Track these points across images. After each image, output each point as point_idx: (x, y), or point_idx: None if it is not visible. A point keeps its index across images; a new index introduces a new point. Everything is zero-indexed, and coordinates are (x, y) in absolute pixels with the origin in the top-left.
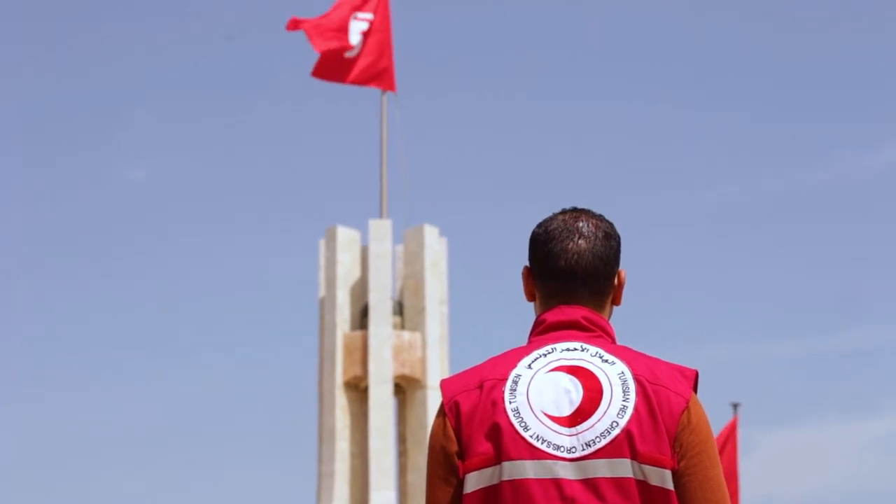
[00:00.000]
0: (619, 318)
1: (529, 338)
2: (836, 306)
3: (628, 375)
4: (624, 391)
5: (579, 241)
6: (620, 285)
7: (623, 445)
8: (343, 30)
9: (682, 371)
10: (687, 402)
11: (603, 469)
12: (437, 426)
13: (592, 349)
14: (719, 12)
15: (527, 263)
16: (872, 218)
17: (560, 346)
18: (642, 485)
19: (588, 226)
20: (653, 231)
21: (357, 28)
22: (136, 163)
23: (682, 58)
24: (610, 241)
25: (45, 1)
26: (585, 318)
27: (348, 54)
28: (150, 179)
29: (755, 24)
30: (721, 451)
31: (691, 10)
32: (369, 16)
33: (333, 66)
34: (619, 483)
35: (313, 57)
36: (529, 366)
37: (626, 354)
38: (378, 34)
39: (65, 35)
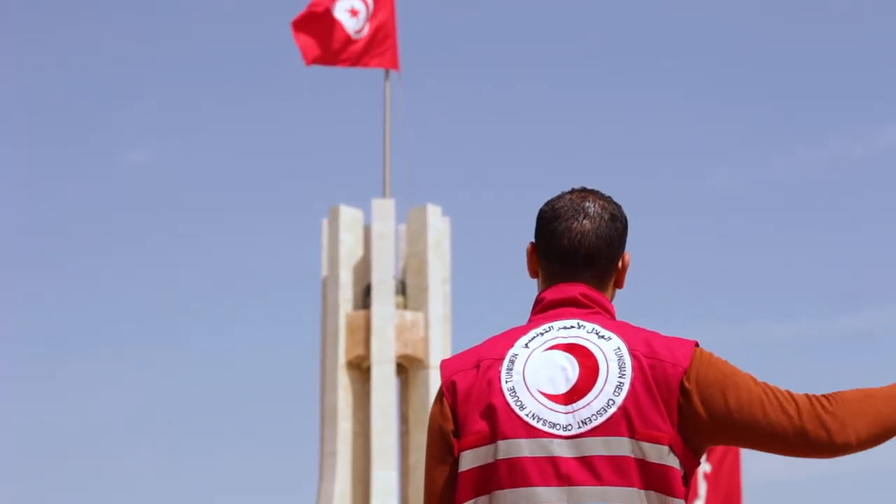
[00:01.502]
0: (622, 301)
1: (530, 316)
2: (836, 290)
3: (624, 351)
4: (620, 367)
5: (584, 221)
6: (624, 268)
7: (620, 423)
8: (329, 18)
9: (679, 342)
10: (685, 370)
11: (599, 447)
12: (435, 406)
13: (589, 325)
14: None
15: (533, 240)
16: (872, 202)
17: (557, 324)
18: (641, 462)
19: (594, 206)
20: (653, 215)
21: (343, 6)
22: (138, 146)
23: (681, 45)
24: (615, 222)
25: None
26: (583, 295)
27: (354, 35)
28: (152, 162)
29: (752, 11)
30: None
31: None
32: None
33: (328, 49)
34: (614, 461)
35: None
36: (526, 345)
37: (623, 329)
38: (380, 13)
39: (67, 18)
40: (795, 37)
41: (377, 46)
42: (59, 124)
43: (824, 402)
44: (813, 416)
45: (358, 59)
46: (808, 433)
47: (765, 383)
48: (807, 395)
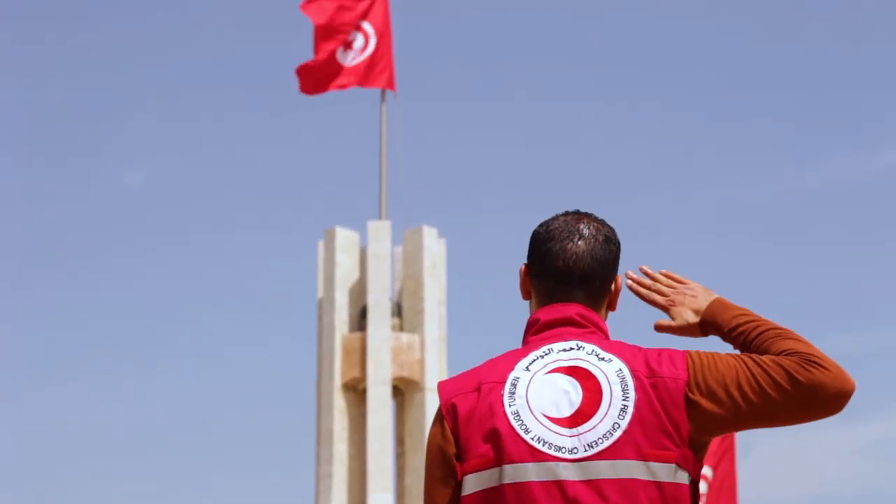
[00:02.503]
0: (617, 321)
1: (525, 338)
2: (832, 310)
3: (626, 373)
4: (623, 390)
5: (579, 243)
6: (617, 291)
7: (626, 447)
8: (345, 34)
9: (672, 353)
10: (686, 382)
11: (605, 470)
12: (435, 428)
13: (588, 347)
14: (716, 16)
15: (526, 261)
16: (870, 221)
17: (556, 346)
18: (651, 484)
19: (589, 228)
20: (650, 233)
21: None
22: (133, 167)
23: (680, 61)
24: (609, 245)
25: (41, 2)
26: (579, 315)
27: (346, 58)
28: (148, 183)
29: (751, 28)
30: (718, 454)
31: (689, 14)
32: (368, 27)
33: (321, 77)
34: (621, 484)
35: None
36: (527, 368)
37: (621, 350)
38: (378, 35)
39: (61, 37)
40: (794, 55)
41: (373, 67)
42: (56, 143)
43: (807, 358)
44: (810, 379)
45: (346, 83)
46: (815, 395)
47: (753, 362)
48: (792, 360)
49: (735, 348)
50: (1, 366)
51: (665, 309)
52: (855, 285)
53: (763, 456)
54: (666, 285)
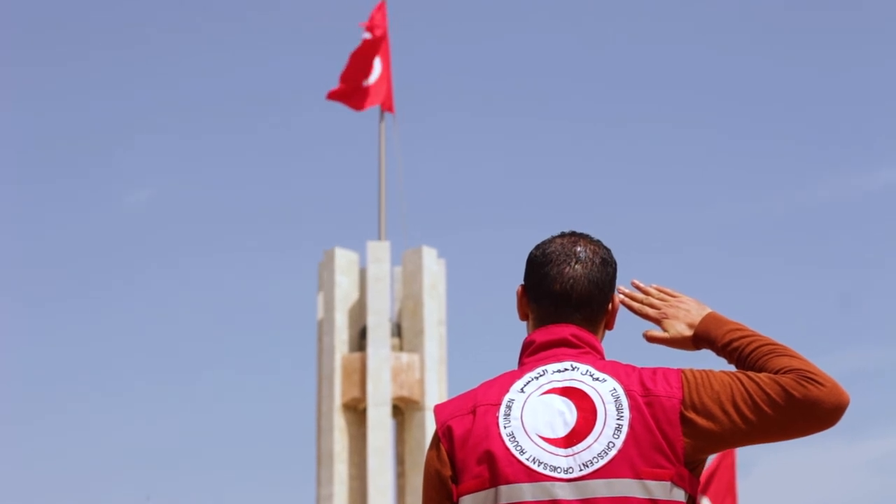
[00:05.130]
0: (610, 336)
1: (520, 359)
2: (833, 327)
3: (620, 392)
4: (618, 409)
5: (576, 266)
6: (614, 311)
7: (621, 465)
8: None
9: (666, 372)
10: (680, 401)
11: (601, 489)
12: (431, 451)
13: (583, 367)
14: (718, 36)
15: (523, 283)
16: (870, 239)
17: (551, 367)
18: (647, 502)
19: (585, 251)
20: (648, 251)
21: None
22: (137, 187)
23: (681, 81)
24: (606, 267)
25: (45, 22)
26: (573, 335)
27: (365, 82)
28: (150, 203)
29: (753, 48)
30: (718, 471)
31: (690, 34)
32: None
33: (351, 92)
34: (617, 503)
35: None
36: (522, 389)
37: (615, 369)
38: (378, 55)
39: (65, 56)
40: (794, 73)
41: (378, 89)
42: (60, 163)
43: (803, 375)
44: (806, 395)
45: (363, 103)
46: (811, 411)
47: (748, 378)
48: (789, 377)
49: (729, 363)
50: (5, 384)
51: (657, 322)
52: (859, 301)
53: (764, 473)
54: (658, 298)
